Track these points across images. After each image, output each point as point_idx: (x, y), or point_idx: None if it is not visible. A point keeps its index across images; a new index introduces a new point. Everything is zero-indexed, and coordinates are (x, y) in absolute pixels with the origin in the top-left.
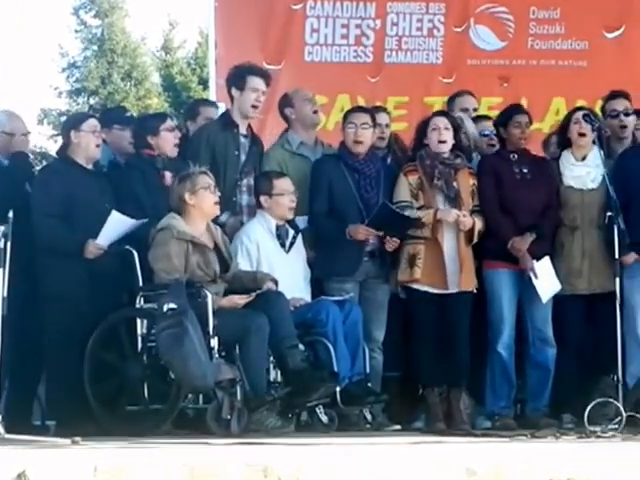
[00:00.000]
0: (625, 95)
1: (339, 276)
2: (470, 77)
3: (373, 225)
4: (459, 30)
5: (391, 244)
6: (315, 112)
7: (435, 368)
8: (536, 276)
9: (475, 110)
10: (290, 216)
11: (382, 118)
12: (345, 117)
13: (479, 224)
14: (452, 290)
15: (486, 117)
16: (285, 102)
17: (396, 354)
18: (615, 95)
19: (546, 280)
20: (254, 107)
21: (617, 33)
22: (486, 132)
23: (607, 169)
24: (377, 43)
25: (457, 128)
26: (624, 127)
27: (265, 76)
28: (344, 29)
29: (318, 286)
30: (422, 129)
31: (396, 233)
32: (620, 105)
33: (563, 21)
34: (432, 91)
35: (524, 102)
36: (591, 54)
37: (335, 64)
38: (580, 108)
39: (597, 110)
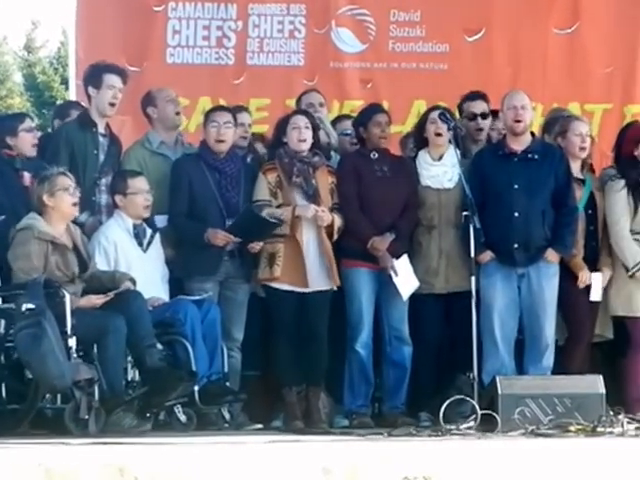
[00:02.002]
0: (483, 97)
1: (200, 276)
2: (332, 79)
3: (235, 229)
4: (320, 32)
5: (255, 247)
6: (177, 113)
7: (293, 367)
8: (396, 274)
9: (321, 105)
10: (146, 215)
11: (244, 118)
12: (207, 116)
13: (338, 221)
14: (312, 288)
15: (347, 117)
16: (148, 101)
17: (255, 353)
18: (473, 97)
19: (405, 278)
20: (111, 105)
21: (477, 36)
22: (347, 132)
23: (463, 168)
24: (239, 45)
25: (315, 127)
26: (480, 130)
27: (121, 74)
28: (205, 31)
29: (178, 285)
30: (281, 127)
31: (258, 237)
32: (478, 108)
33: (424, 24)
34: (294, 93)
35: (385, 105)
36: (451, 57)
37: (197, 66)
38: (436, 107)
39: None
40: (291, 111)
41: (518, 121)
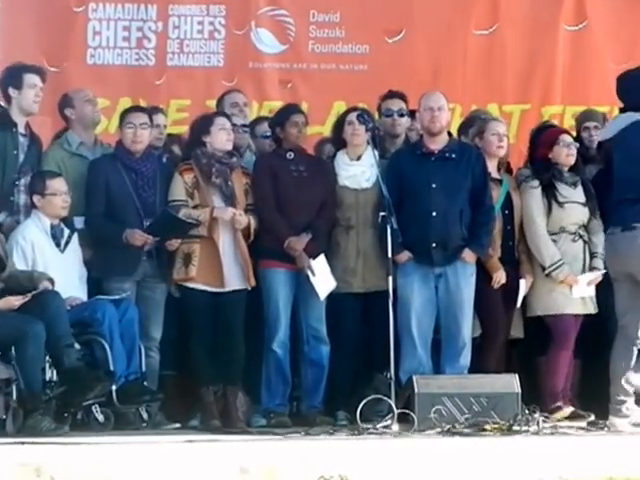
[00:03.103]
0: (401, 96)
1: (118, 276)
2: (252, 80)
3: (153, 229)
4: (240, 33)
5: (173, 244)
6: (96, 113)
7: (210, 367)
8: (314, 274)
9: (245, 105)
10: (64, 214)
11: (159, 119)
12: (123, 117)
13: (254, 222)
14: (228, 288)
15: (266, 118)
16: (65, 102)
17: (172, 353)
18: (391, 95)
19: (323, 278)
20: (35, 103)
21: (397, 37)
22: (267, 134)
23: (381, 169)
24: (159, 46)
25: (232, 128)
26: (397, 125)
27: (40, 72)
28: (126, 32)
29: (97, 285)
30: (202, 127)
31: (175, 236)
32: (395, 105)
33: (343, 25)
34: (214, 94)
35: (305, 106)
36: (371, 58)
37: (117, 67)
38: (354, 109)
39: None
40: (211, 112)
41: (434, 122)
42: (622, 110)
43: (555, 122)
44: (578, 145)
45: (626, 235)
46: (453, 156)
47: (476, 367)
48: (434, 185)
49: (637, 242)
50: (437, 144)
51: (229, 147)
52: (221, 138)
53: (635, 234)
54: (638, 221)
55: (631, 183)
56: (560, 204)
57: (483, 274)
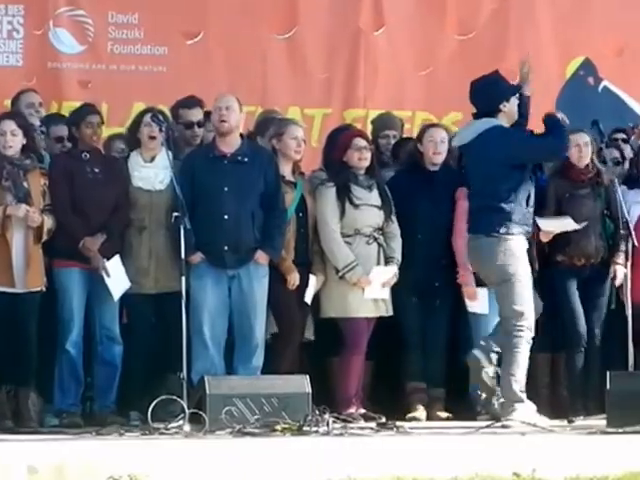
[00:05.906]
0: (199, 103)
1: None
2: (50, 80)
3: None
4: (38, 33)
5: None
6: None
7: (2, 367)
8: (108, 274)
9: (41, 105)
10: None
11: None
12: None
13: (49, 222)
14: (19, 289)
15: (61, 116)
16: None
17: None
18: (190, 104)
19: (117, 278)
20: None
21: (195, 40)
22: (60, 135)
23: (175, 169)
24: None
25: (28, 129)
26: (196, 136)
27: None
28: None
29: None
30: None
31: None
32: (195, 116)
33: (142, 26)
34: (13, 94)
35: (105, 107)
36: (170, 59)
37: None
38: (149, 110)
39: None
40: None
41: (222, 121)
42: (475, 116)
43: (357, 125)
44: (373, 148)
45: (487, 241)
46: (245, 159)
47: (271, 367)
48: (226, 188)
49: (495, 248)
50: (229, 146)
51: (10, 153)
52: (1, 142)
53: (492, 241)
54: (498, 230)
55: (490, 190)
56: (355, 206)
57: (278, 275)
